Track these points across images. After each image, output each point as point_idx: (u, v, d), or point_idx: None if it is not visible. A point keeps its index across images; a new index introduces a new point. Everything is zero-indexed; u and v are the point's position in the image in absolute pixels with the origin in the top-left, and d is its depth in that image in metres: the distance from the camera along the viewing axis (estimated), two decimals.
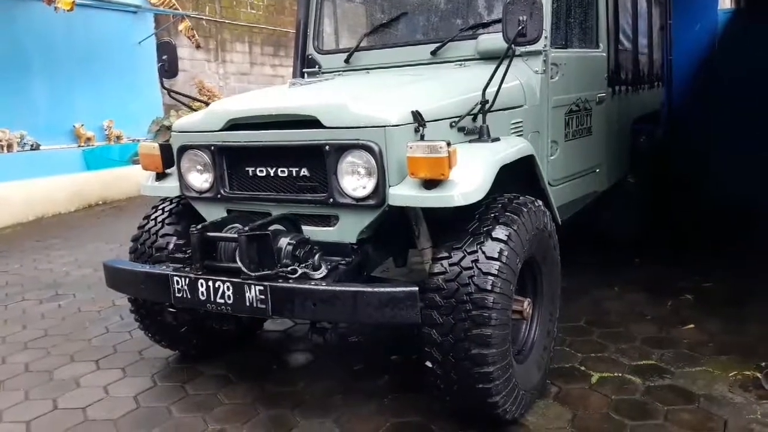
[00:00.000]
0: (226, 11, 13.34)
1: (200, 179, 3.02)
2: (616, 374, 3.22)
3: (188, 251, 2.79)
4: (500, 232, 2.54)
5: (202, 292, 2.61)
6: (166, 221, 3.29)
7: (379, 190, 2.56)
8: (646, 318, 3.93)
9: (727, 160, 6.79)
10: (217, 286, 2.57)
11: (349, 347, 3.65)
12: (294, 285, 2.47)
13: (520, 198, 2.78)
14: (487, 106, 2.77)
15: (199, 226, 2.68)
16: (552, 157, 3.61)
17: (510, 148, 2.83)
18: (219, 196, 2.95)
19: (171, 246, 3.10)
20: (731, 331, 3.65)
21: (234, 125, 2.87)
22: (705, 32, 7.36)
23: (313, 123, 2.63)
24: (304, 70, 4.02)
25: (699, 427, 2.71)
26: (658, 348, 3.49)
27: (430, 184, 2.47)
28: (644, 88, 5.53)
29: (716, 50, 7.32)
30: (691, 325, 3.77)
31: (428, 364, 2.58)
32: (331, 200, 2.65)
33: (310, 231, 2.76)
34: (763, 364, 3.12)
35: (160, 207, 3.39)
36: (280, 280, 2.50)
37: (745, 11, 7.63)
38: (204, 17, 12.75)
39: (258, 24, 14.09)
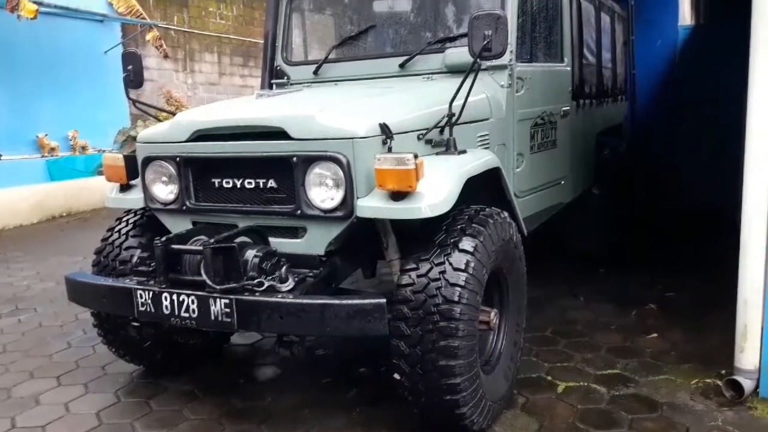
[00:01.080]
0: (195, 21, 13.24)
1: (165, 191, 2.98)
2: (581, 384, 3.26)
3: (152, 264, 2.74)
4: (467, 243, 2.56)
5: (167, 306, 2.57)
6: (131, 233, 3.24)
7: (347, 201, 2.56)
8: (611, 327, 3.99)
9: (689, 170, 6.97)
10: (181, 299, 2.54)
11: (318, 360, 3.62)
12: (260, 298, 2.45)
13: (487, 209, 2.81)
14: (454, 119, 2.80)
15: (164, 239, 2.64)
16: (518, 170, 3.66)
17: (476, 161, 2.86)
18: (184, 207, 2.91)
19: (135, 259, 3.03)
20: (693, 340, 3.73)
21: (200, 136, 2.84)
22: (666, 47, 7.55)
23: (280, 134, 2.63)
24: (272, 81, 4.01)
25: None
26: (622, 357, 3.55)
27: (397, 195, 2.49)
28: (608, 101, 5.65)
29: (677, 64, 7.52)
30: (655, 334, 3.85)
31: (396, 376, 2.59)
32: (299, 212, 2.64)
33: (277, 243, 2.74)
34: (724, 371, 3.19)
35: (124, 219, 3.34)
36: (246, 293, 2.48)
37: (704, 26, 7.87)
38: (172, 27, 12.62)
39: (227, 34, 14.00)
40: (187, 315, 2.55)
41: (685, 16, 8.22)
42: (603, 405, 3.04)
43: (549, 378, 3.34)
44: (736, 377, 3.03)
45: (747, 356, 3.02)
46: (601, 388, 3.20)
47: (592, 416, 2.93)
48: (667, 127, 7.29)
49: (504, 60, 3.32)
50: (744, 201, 2.95)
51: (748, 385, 3.00)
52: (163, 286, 2.61)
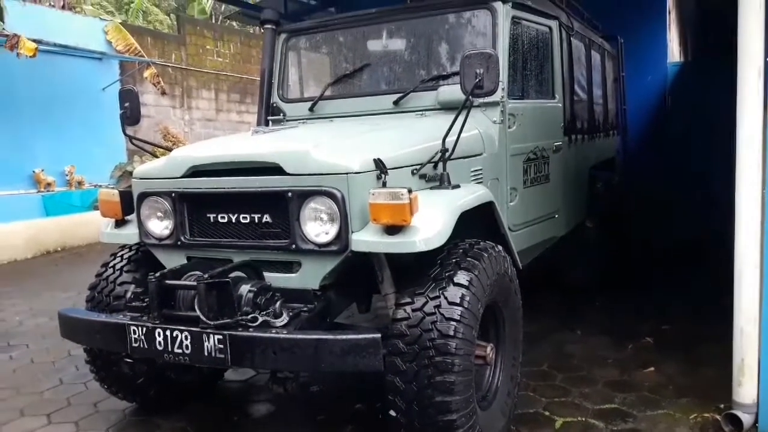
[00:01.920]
0: (192, 59, 13.44)
1: (160, 226, 2.99)
2: (579, 419, 3.23)
3: (146, 300, 2.73)
4: (462, 277, 2.57)
5: (160, 342, 2.55)
6: (125, 269, 3.23)
7: (342, 236, 2.58)
8: (607, 361, 3.97)
9: (681, 202, 7.02)
10: (174, 335, 2.52)
11: (312, 396, 3.58)
12: (254, 333, 2.44)
13: (481, 243, 2.82)
14: (447, 154, 2.84)
15: (158, 274, 2.64)
16: (511, 204, 3.69)
17: (470, 195, 2.88)
18: (179, 243, 2.92)
19: (129, 294, 3.02)
20: (690, 374, 3.71)
21: (196, 172, 2.86)
22: (656, 83, 7.71)
23: (275, 170, 2.65)
24: (268, 117, 4.06)
25: None
26: (620, 391, 3.52)
27: (392, 230, 2.50)
28: (600, 136, 5.73)
29: (667, 100, 7.66)
30: (652, 368, 3.82)
31: (392, 412, 2.56)
32: (294, 246, 2.64)
33: (272, 278, 2.74)
34: (722, 406, 3.16)
35: (119, 254, 3.33)
36: (240, 329, 2.46)
37: (693, 63, 8.04)
38: (170, 64, 12.81)
39: (224, 71, 14.20)
40: (180, 351, 2.53)
41: (674, 53, 8.40)
42: None
43: (547, 413, 3.31)
44: (734, 412, 3.01)
45: (745, 390, 3.00)
46: (599, 423, 3.17)
47: None
48: (658, 160, 7.38)
49: (496, 97, 3.38)
50: (737, 232, 2.97)
51: (747, 419, 2.97)
52: (157, 321, 2.59)
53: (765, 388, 2.96)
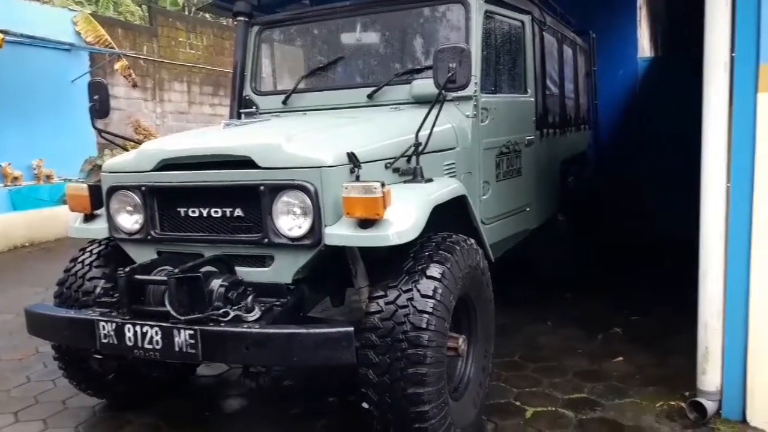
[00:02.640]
0: (165, 51, 13.22)
1: (130, 220, 2.95)
2: (549, 408, 3.28)
3: (116, 295, 2.70)
4: (434, 270, 2.58)
5: (129, 338, 2.53)
6: (94, 264, 3.18)
7: (315, 229, 2.57)
8: (578, 352, 4.04)
9: (651, 196, 7.15)
10: (144, 330, 2.49)
11: (286, 390, 3.58)
12: (225, 328, 2.43)
13: (454, 236, 2.84)
14: (421, 148, 2.85)
15: (127, 269, 2.60)
16: (484, 197, 3.72)
17: (443, 189, 2.90)
18: (149, 237, 2.88)
19: (98, 290, 2.98)
20: (657, 363, 3.79)
21: (166, 165, 2.83)
22: (627, 78, 7.82)
23: (247, 163, 2.63)
24: (241, 110, 4.02)
25: None
26: (589, 381, 3.59)
27: (365, 223, 2.50)
28: (571, 130, 5.80)
29: (637, 94, 7.78)
30: (620, 358, 3.90)
31: (365, 405, 2.57)
32: (266, 240, 2.63)
33: (244, 272, 2.73)
34: (687, 393, 3.24)
35: (88, 249, 3.28)
36: (211, 324, 2.45)
37: (663, 58, 8.18)
38: (141, 56, 12.59)
39: (197, 63, 14.01)
40: (150, 347, 2.50)
41: (645, 48, 8.53)
42: (571, 429, 3.06)
43: (518, 403, 3.35)
44: (699, 399, 3.08)
45: (709, 378, 3.09)
46: (568, 412, 3.23)
47: None
48: (629, 154, 7.50)
49: (469, 91, 3.39)
50: (702, 227, 3.04)
51: (710, 406, 3.05)
52: (126, 317, 2.56)
53: (728, 376, 3.04)
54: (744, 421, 3.00)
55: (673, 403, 3.26)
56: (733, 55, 2.84)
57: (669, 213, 6.75)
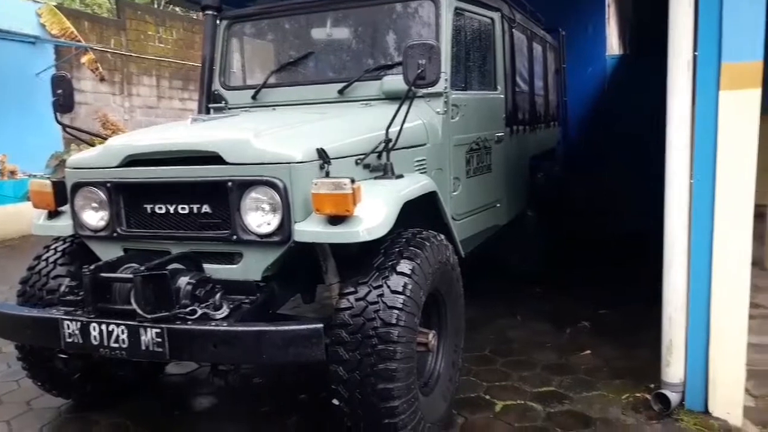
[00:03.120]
0: (133, 44, 13.00)
1: (95, 217, 2.90)
2: (518, 402, 3.32)
3: (81, 293, 2.65)
4: (404, 266, 2.59)
5: (95, 336, 2.49)
6: (59, 262, 3.12)
7: (285, 226, 2.56)
8: (546, 345, 4.09)
9: (619, 192, 7.27)
10: (110, 329, 2.46)
11: (256, 388, 3.55)
12: (193, 326, 2.40)
13: (424, 233, 2.85)
14: (391, 144, 2.85)
15: (93, 267, 2.56)
16: (455, 193, 3.74)
17: (413, 185, 2.91)
18: (115, 234, 2.84)
19: (63, 288, 2.93)
20: (624, 356, 3.86)
21: (132, 161, 2.78)
22: (595, 75, 7.95)
23: (215, 159, 2.60)
24: (209, 105, 3.97)
25: None
26: (557, 374, 3.64)
27: (335, 220, 2.50)
28: (541, 127, 5.86)
29: (605, 91, 7.90)
30: (588, 351, 3.97)
31: (335, 401, 2.57)
32: (235, 237, 2.61)
33: (212, 269, 2.70)
34: (652, 386, 3.31)
35: (53, 247, 3.21)
36: (178, 322, 2.42)
37: (631, 56, 8.31)
38: (109, 50, 12.36)
39: (166, 57, 13.80)
40: (116, 345, 2.47)
41: (613, 46, 8.66)
42: (539, 422, 3.10)
43: (487, 397, 3.39)
44: (663, 391, 3.15)
45: (673, 370, 3.16)
46: (537, 405, 3.27)
47: None
48: (597, 150, 7.61)
49: (439, 88, 3.41)
50: (666, 222, 3.10)
51: (674, 398, 3.12)
52: (92, 315, 2.52)
53: (691, 368, 3.11)
54: (706, 411, 3.07)
55: (638, 395, 3.33)
56: (696, 53, 2.90)
57: (636, 208, 6.89)
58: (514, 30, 4.77)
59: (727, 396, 3.03)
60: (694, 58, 2.92)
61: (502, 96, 4.45)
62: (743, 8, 2.77)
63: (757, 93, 2.81)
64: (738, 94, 2.83)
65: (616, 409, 3.20)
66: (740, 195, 2.88)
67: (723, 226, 2.93)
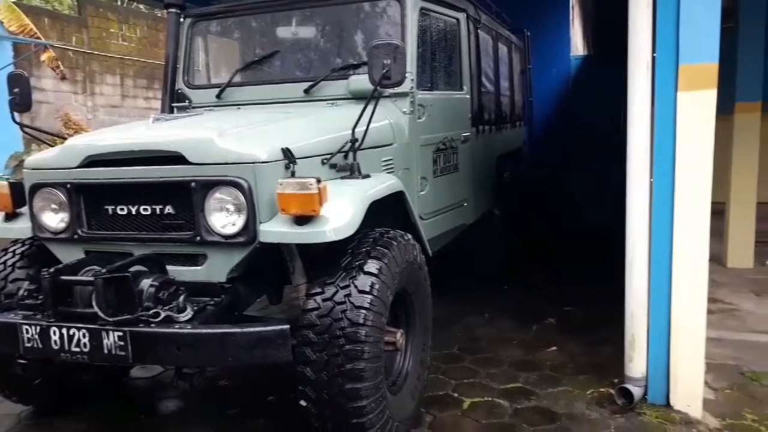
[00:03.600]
0: (95, 42, 12.71)
1: (55, 219, 2.83)
2: (486, 398, 3.35)
3: (40, 297, 2.59)
4: (371, 266, 2.59)
5: (55, 341, 2.43)
6: (17, 265, 3.04)
7: (250, 226, 2.53)
8: (513, 342, 4.14)
9: (584, 191, 7.39)
10: (71, 333, 2.41)
11: (224, 390, 3.52)
12: (156, 329, 2.37)
13: (391, 232, 2.86)
14: (357, 144, 2.85)
15: (52, 269, 2.50)
16: (422, 193, 3.76)
17: (380, 185, 2.91)
18: (76, 236, 2.78)
19: (22, 292, 2.84)
20: (589, 352, 3.93)
21: (93, 161, 2.72)
22: (560, 75, 8.07)
23: (177, 159, 2.57)
24: (173, 104, 3.91)
25: None
26: (524, 371, 3.69)
27: (301, 220, 2.48)
28: (507, 127, 5.92)
29: (570, 91, 8.03)
30: (554, 348, 4.03)
31: (302, 402, 2.56)
32: (199, 238, 2.58)
33: (176, 271, 2.66)
34: (616, 380, 3.37)
35: (11, 250, 3.13)
36: (141, 325, 2.38)
37: (594, 57, 8.47)
38: (70, 47, 12.07)
39: (130, 56, 13.53)
40: (78, 349, 2.42)
41: (578, 46, 8.80)
42: (506, 419, 3.14)
43: (455, 395, 3.41)
44: (626, 385, 3.22)
45: (635, 365, 3.22)
46: (504, 402, 3.31)
47: (496, 430, 3.02)
48: (563, 149, 7.73)
49: (405, 88, 3.42)
50: (627, 221, 3.16)
51: (637, 392, 3.19)
52: (52, 319, 2.47)
53: (653, 363, 3.18)
54: (668, 404, 3.15)
55: (603, 390, 3.39)
56: (655, 55, 2.97)
57: (600, 207, 7.01)
58: (479, 30, 4.81)
59: (688, 389, 3.10)
60: (653, 59, 2.99)
61: (468, 96, 4.49)
62: (699, 12, 2.84)
63: (713, 94, 2.89)
64: (695, 95, 2.90)
65: (581, 404, 3.26)
66: (698, 193, 2.96)
67: (682, 225, 3.00)
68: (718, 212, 5.37)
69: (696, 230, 2.98)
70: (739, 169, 5.53)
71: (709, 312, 3.14)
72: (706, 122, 2.91)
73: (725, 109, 5.23)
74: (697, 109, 2.91)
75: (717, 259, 5.56)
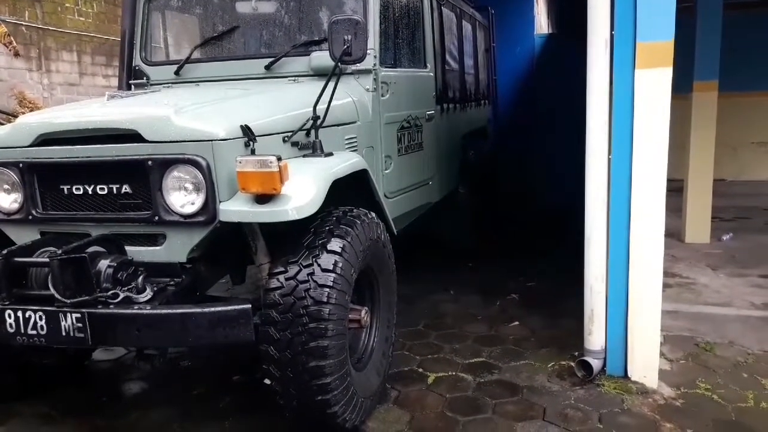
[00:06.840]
0: (50, 17, 12.26)
1: (8, 199, 2.75)
2: (450, 373, 3.41)
3: None
4: (335, 244, 2.59)
5: (11, 324, 2.38)
6: None
7: (209, 205, 2.50)
8: (477, 318, 4.21)
9: (547, 169, 7.48)
10: (27, 316, 2.36)
11: (188, 371, 3.49)
12: (115, 311, 2.34)
13: (354, 211, 2.85)
14: (319, 121, 2.82)
15: (6, 251, 2.44)
16: (386, 171, 3.76)
17: (343, 163, 2.89)
18: (30, 217, 2.70)
19: None
20: (550, 326, 4.02)
21: (46, 140, 2.65)
22: (524, 54, 8.09)
23: (133, 137, 2.51)
24: (130, 81, 3.81)
25: (522, 416, 2.95)
26: (487, 345, 3.76)
27: (262, 198, 2.46)
28: (471, 105, 5.94)
29: (534, 70, 8.07)
30: (517, 323, 4.11)
31: (267, 381, 2.56)
32: (157, 218, 2.54)
33: (134, 251, 2.62)
34: (576, 353, 3.46)
35: None
36: (100, 306, 2.35)
37: (557, 35, 8.52)
38: (23, 23, 11.63)
39: (88, 32, 13.11)
40: (34, 332, 2.37)
41: (542, 25, 8.84)
42: (470, 392, 3.20)
43: (420, 370, 3.46)
44: (586, 358, 3.30)
45: (594, 338, 3.31)
46: (468, 376, 3.37)
47: (460, 404, 3.08)
48: (526, 128, 7.79)
49: (368, 64, 3.39)
50: (587, 196, 3.22)
51: (596, 364, 3.28)
52: (6, 302, 2.41)
53: (611, 335, 3.27)
54: (626, 376, 3.24)
55: (563, 362, 3.48)
56: (613, 33, 3.00)
57: (562, 184, 7.12)
58: (443, 8, 4.79)
59: (644, 361, 3.20)
60: (612, 37, 3.02)
61: (431, 74, 4.48)
62: None
63: (669, 71, 2.94)
64: (652, 73, 2.95)
65: (542, 377, 3.34)
66: (654, 170, 3.02)
67: (639, 200, 3.07)
68: (677, 189, 5.52)
69: (653, 205, 3.05)
70: (696, 147, 5.67)
71: (667, 286, 3.23)
72: (662, 99, 2.96)
73: (685, 88, 5.35)
74: (654, 85, 2.96)
75: (675, 234, 5.71)
